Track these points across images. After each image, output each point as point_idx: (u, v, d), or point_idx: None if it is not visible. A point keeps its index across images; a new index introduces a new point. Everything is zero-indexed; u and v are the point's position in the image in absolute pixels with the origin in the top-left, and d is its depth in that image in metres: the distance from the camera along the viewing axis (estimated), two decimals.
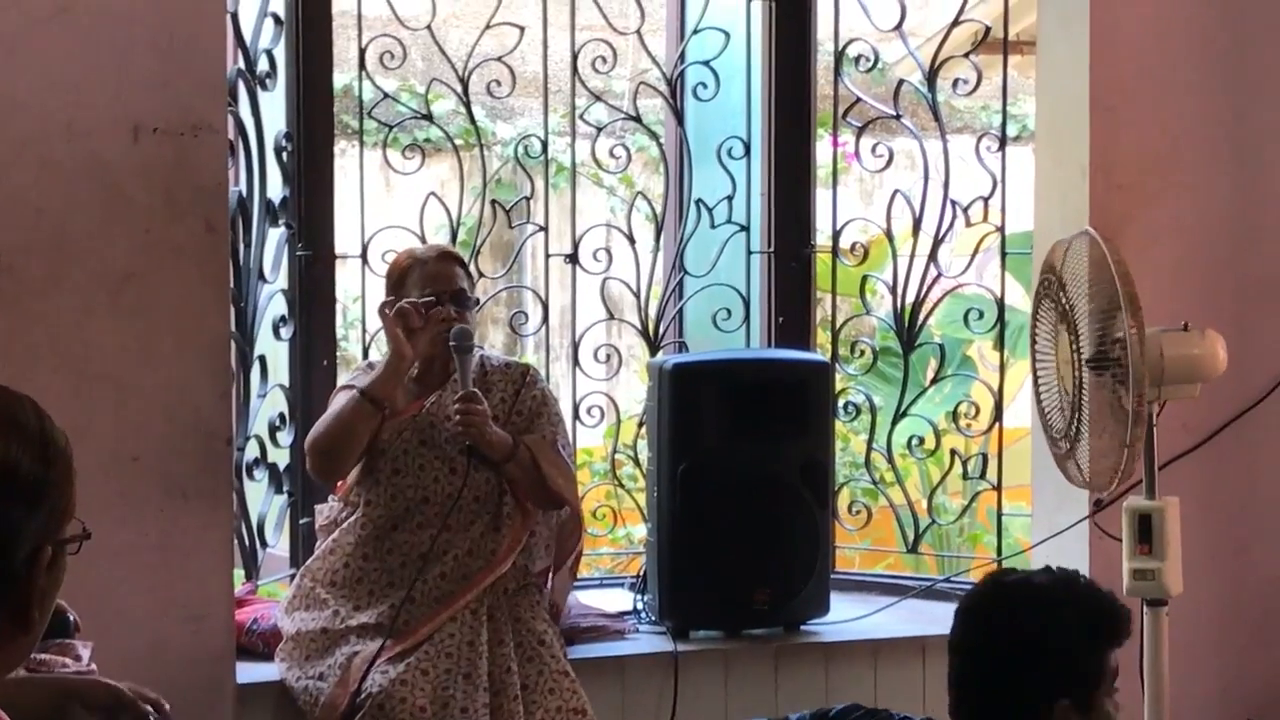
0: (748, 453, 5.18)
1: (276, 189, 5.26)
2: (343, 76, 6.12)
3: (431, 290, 4.75)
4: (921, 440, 5.84)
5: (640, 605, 5.35)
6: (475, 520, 4.76)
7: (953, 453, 5.74)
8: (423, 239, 5.41)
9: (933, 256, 5.61)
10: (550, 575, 4.95)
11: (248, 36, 5.12)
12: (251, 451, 5.20)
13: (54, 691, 3.38)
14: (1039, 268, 4.50)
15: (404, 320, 4.66)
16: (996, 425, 5.66)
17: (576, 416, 5.65)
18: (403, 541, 4.73)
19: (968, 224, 5.64)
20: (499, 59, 5.56)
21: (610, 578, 5.95)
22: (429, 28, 5.47)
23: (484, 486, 4.77)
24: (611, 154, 5.77)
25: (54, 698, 3.35)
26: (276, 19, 5.23)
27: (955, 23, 5.61)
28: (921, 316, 5.69)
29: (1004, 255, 5.62)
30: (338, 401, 4.77)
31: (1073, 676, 3.02)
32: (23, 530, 1.79)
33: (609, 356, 5.75)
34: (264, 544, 5.29)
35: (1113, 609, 3.08)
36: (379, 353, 5.60)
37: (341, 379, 5.19)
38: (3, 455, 1.78)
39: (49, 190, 4.49)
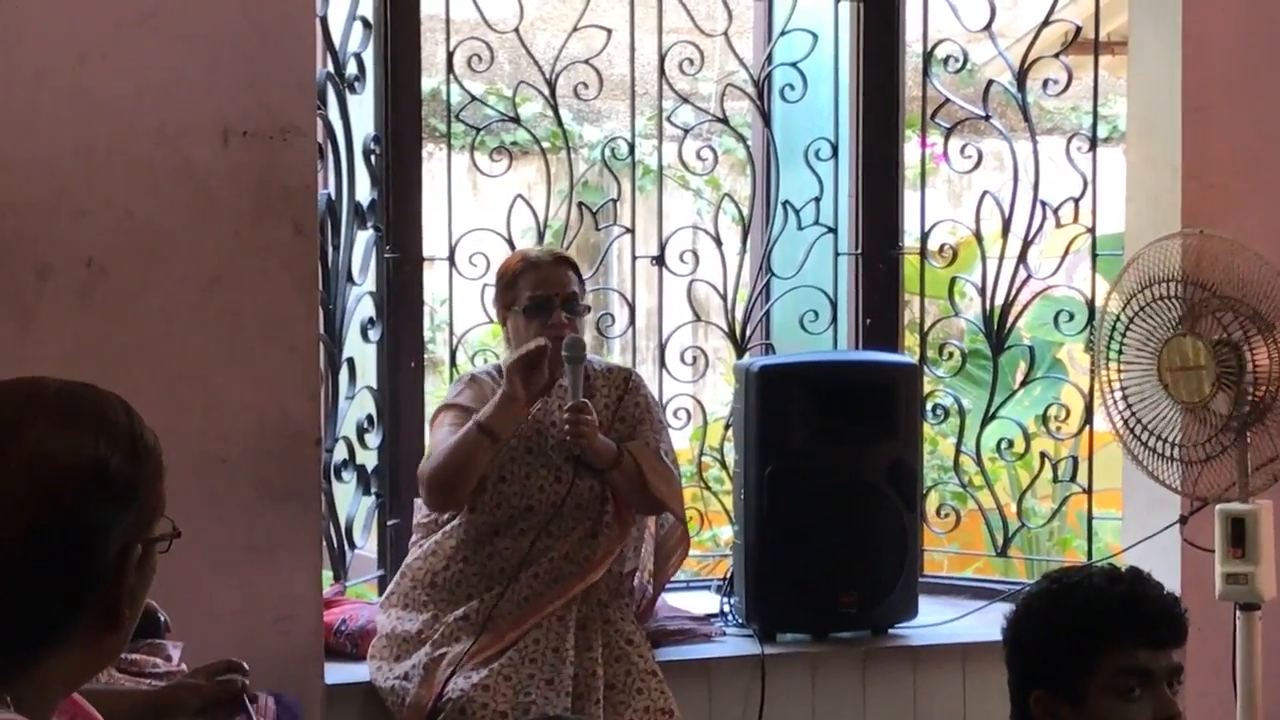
0: (835, 455, 5.17)
1: (365, 192, 5.28)
2: (431, 80, 6.14)
3: (544, 294, 4.74)
4: (1011, 443, 5.80)
5: (727, 608, 5.34)
6: (576, 526, 4.76)
7: (1043, 456, 5.69)
8: (510, 242, 5.42)
9: (1022, 258, 5.57)
10: (639, 577, 4.94)
11: (337, 40, 5.15)
12: (340, 453, 5.22)
13: (138, 705, 3.40)
14: (1142, 267, 4.45)
15: (530, 365, 4.62)
16: (1087, 428, 5.62)
17: (664, 418, 5.64)
18: (504, 547, 4.73)
19: (1058, 225, 5.60)
20: (586, 61, 5.56)
21: (697, 580, 5.95)
22: (516, 31, 5.48)
23: (587, 494, 4.77)
24: (698, 156, 5.76)
25: (140, 713, 3.37)
26: (365, 22, 5.25)
27: (1045, 23, 5.57)
28: (1011, 318, 5.65)
29: (1094, 257, 5.58)
30: (445, 430, 4.74)
31: (1045, 668, 3.02)
32: (113, 528, 1.80)
33: (695, 359, 5.74)
34: (352, 545, 5.31)
35: (1118, 607, 3.04)
36: (466, 356, 5.62)
37: (434, 387, 5.20)
38: (92, 453, 1.80)
39: (140, 192, 4.53)
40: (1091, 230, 5.55)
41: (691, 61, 5.61)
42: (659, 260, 5.65)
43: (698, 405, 5.82)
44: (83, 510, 1.78)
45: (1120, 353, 4.45)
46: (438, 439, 4.75)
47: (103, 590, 1.81)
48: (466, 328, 5.62)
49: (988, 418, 5.74)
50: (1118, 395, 4.48)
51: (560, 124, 5.66)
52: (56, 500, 1.77)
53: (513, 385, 4.61)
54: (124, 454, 1.82)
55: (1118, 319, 4.46)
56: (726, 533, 5.96)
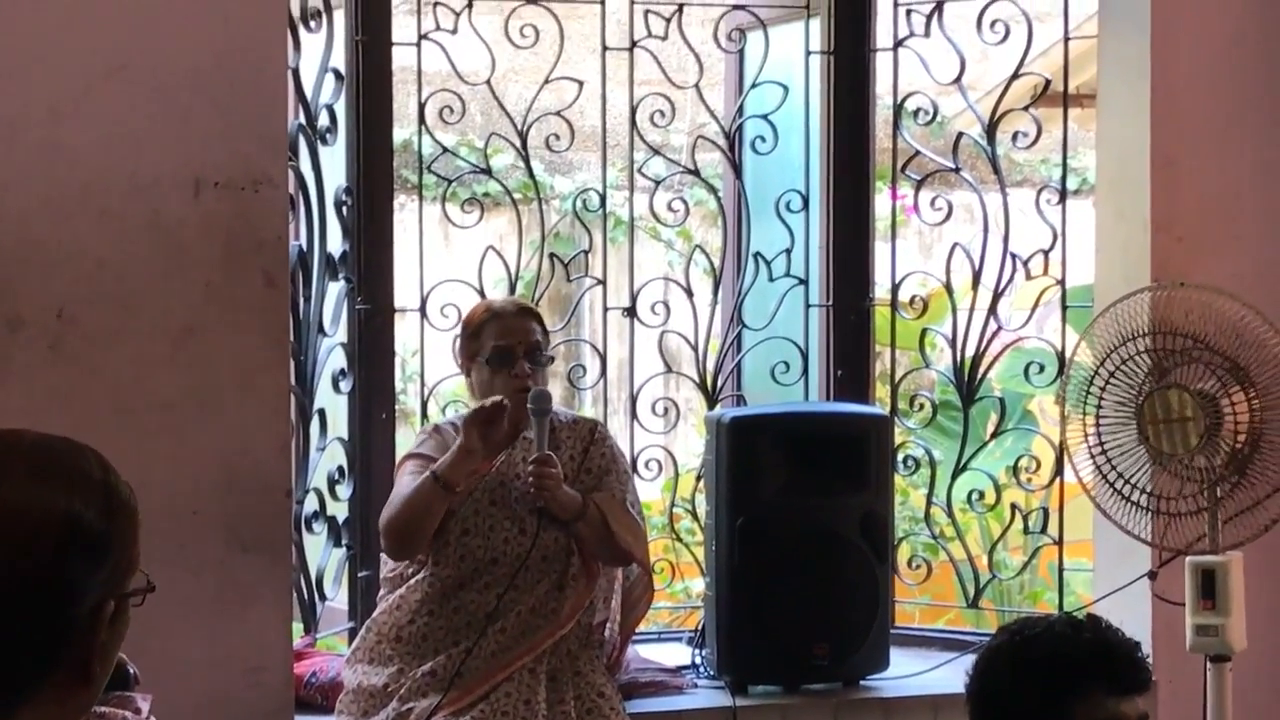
0: (807, 507, 5.17)
1: (336, 243, 5.28)
2: (402, 131, 6.15)
3: (507, 343, 4.73)
4: (982, 494, 5.81)
5: (699, 659, 5.32)
6: (542, 579, 4.74)
7: (1013, 507, 5.70)
8: (481, 293, 5.42)
9: (992, 310, 5.59)
10: (609, 629, 4.93)
11: (309, 92, 5.15)
12: (311, 504, 5.21)
13: None
14: (1119, 319, 4.46)
15: (487, 420, 4.61)
16: (1058, 479, 5.63)
17: (634, 470, 5.64)
18: (469, 601, 4.71)
19: (1028, 277, 5.62)
20: (558, 113, 5.57)
21: (668, 631, 5.93)
22: (488, 83, 5.50)
23: (552, 546, 4.75)
24: (670, 207, 5.77)
25: None
26: (337, 74, 5.26)
27: (1015, 76, 5.60)
28: (981, 370, 5.66)
29: (1065, 308, 5.60)
30: (406, 479, 4.72)
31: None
32: (86, 584, 1.77)
33: (667, 410, 5.75)
34: (323, 597, 5.29)
35: (1085, 659, 3.04)
36: (437, 407, 5.61)
37: (406, 439, 5.19)
38: (66, 508, 1.77)
39: (110, 243, 4.53)
40: (1061, 282, 5.56)
41: (663, 113, 5.63)
42: (630, 311, 5.65)
43: (669, 456, 5.82)
44: (55, 566, 1.76)
45: (1099, 406, 4.46)
46: (398, 487, 4.74)
47: (75, 646, 1.78)
48: (438, 379, 5.62)
49: (959, 469, 5.75)
50: (1094, 447, 4.48)
51: (532, 175, 5.67)
52: (27, 555, 1.74)
53: (469, 438, 4.59)
54: (99, 509, 1.79)
55: (1096, 373, 4.47)
56: (698, 584, 5.95)
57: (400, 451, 5.50)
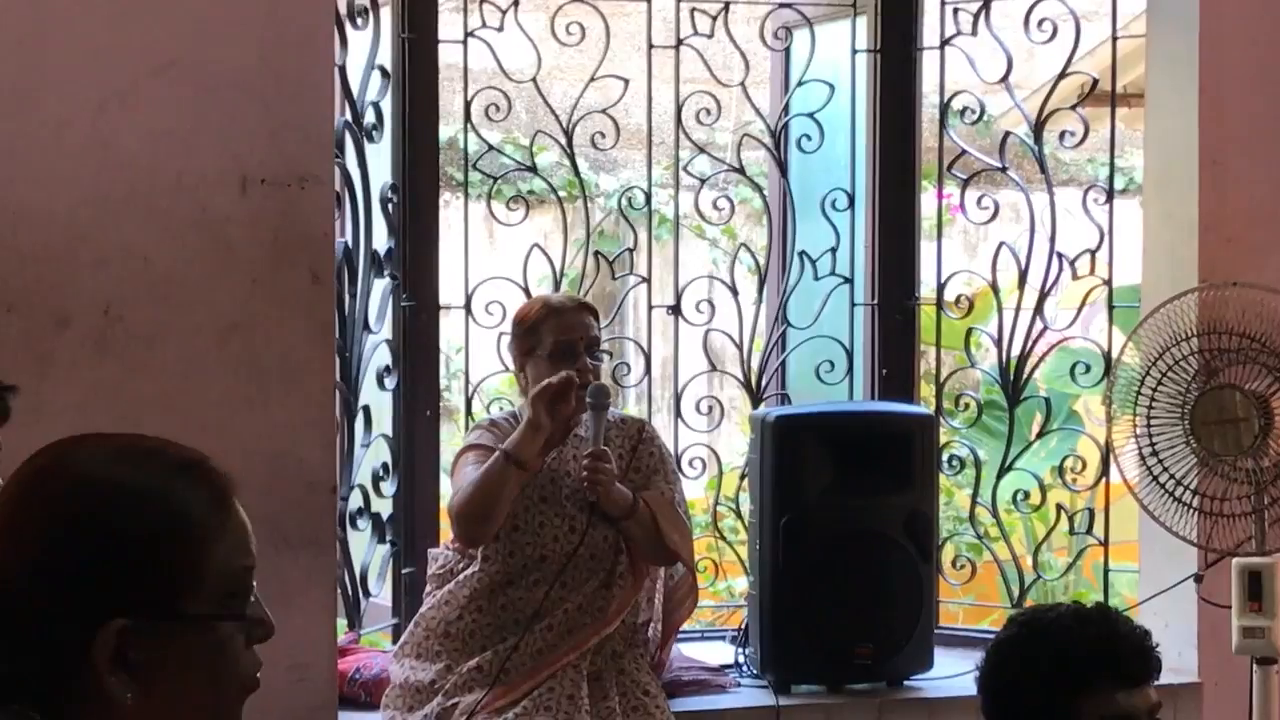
0: (850, 506, 5.16)
1: (382, 240, 5.29)
2: (448, 129, 6.16)
3: (568, 338, 4.71)
4: (1027, 495, 5.79)
5: (742, 658, 5.32)
6: (590, 577, 4.73)
7: (1059, 507, 5.68)
8: (527, 291, 5.42)
9: (1038, 310, 5.57)
10: (653, 628, 4.93)
11: (355, 89, 5.16)
12: (355, 501, 5.22)
13: None
14: (1169, 321, 4.45)
15: (559, 397, 4.56)
16: (1103, 480, 5.61)
17: (679, 468, 5.63)
18: (517, 598, 4.71)
19: (1074, 277, 5.60)
20: (603, 111, 5.57)
21: (712, 630, 5.93)
22: (534, 80, 5.50)
23: (601, 544, 4.74)
24: (715, 206, 5.77)
25: None
26: (384, 71, 5.27)
27: (1062, 75, 5.58)
28: (1027, 370, 5.64)
29: (1111, 309, 5.57)
30: (468, 469, 4.67)
31: (1024, 717, 3.02)
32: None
33: (711, 408, 5.74)
34: (367, 593, 5.30)
35: (1093, 653, 3.02)
36: (481, 404, 5.62)
37: (450, 436, 5.19)
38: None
39: (157, 241, 4.54)
40: (1108, 282, 5.54)
41: (708, 111, 5.63)
42: (675, 310, 5.65)
43: (713, 455, 5.81)
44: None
45: (1150, 407, 4.44)
46: (462, 476, 4.70)
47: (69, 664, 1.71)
48: (482, 376, 5.62)
49: (1004, 469, 5.72)
50: (1145, 446, 4.46)
51: (577, 173, 5.67)
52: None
53: (537, 414, 4.54)
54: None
55: (1146, 374, 4.45)
56: (741, 583, 5.94)
57: (444, 448, 5.52)
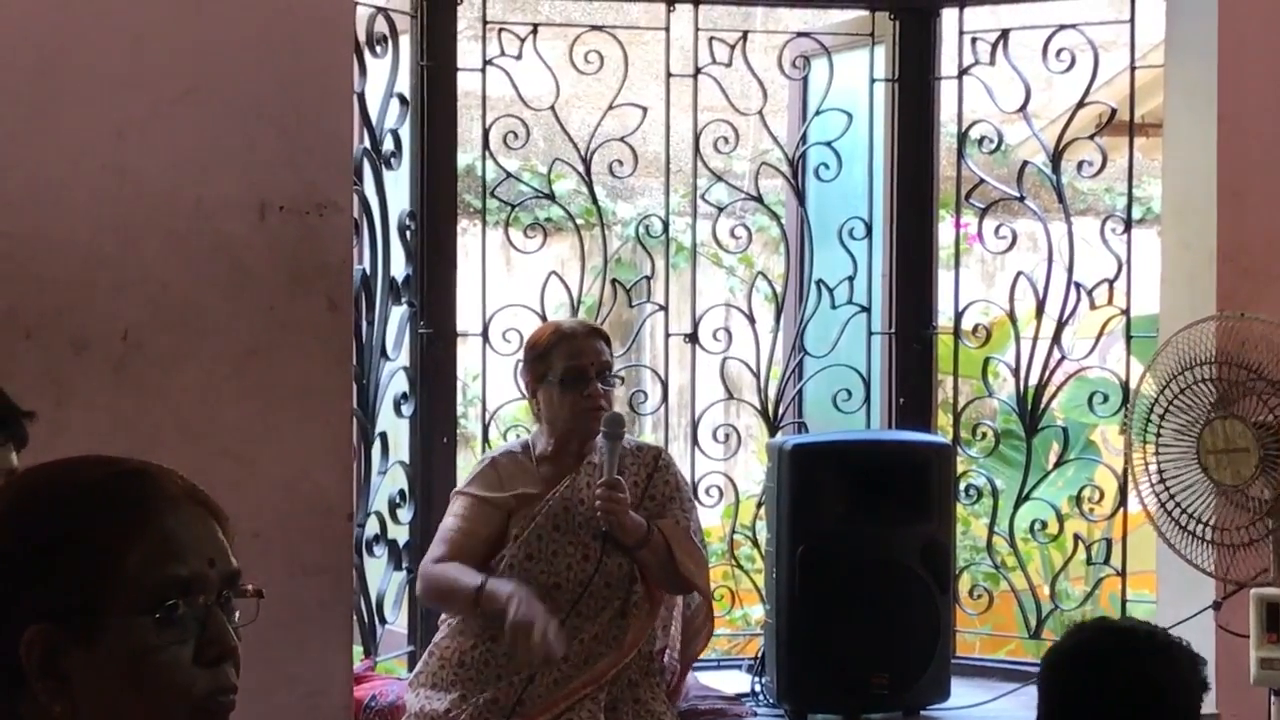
0: (867, 535, 5.15)
1: (400, 267, 5.30)
2: (466, 156, 6.17)
3: (579, 364, 4.72)
4: (1044, 524, 5.78)
5: (758, 687, 5.31)
6: (605, 606, 4.72)
7: (1076, 537, 5.67)
8: (543, 318, 5.43)
9: (1056, 339, 5.57)
10: (670, 656, 4.91)
11: (374, 116, 5.17)
12: (372, 528, 5.22)
13: None
14: (1180, 349, 4.44)
15: (524, 626, 4.52)
16: (1121, 510, 5.59)
17: (695, 496, 5.63)
18: None
19: (1092, 306, 5.59)
20: (621, 139, 5.58)
21: (728, 659, 5.92)
22: (552, 108, 5.51)
23: (615, 572, 4.73)
24: (732, 234, 5.77)
25: None
26: (402, 99, 5.28)
27: (1080, 104, 5.58)
28: (1044, 399, 5.63)
29: (1129, 338, 5.56)
30: (451, 520, 4.73)
31: None
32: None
33: (728, 436, 5.74)
34: (383, 620, 5.30)
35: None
36: (498, 431, 5.62)
37: (466, 462, 5.19)
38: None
39: (176, 267, 4.55)
40: (1126, 312, 5.53)
41: (726, 140, 5.64)
42: (692, 338, 5.65)
43: (729, 483, 5.81)
44: None
45: (1159, 435, 4.44)
46: (444, 526, 4.76)
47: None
48: (499, 403, 5.63)
49: (1021, 499, 5.71)
50: (1154, 477, 4.46)
51: (595, 201, 5.69)
52: None
53: (503, 613, 4.54)
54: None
55: (1155, 401, 4.45)
56: (758, 612, 5.94)
57: (461, 475, 5.51)
